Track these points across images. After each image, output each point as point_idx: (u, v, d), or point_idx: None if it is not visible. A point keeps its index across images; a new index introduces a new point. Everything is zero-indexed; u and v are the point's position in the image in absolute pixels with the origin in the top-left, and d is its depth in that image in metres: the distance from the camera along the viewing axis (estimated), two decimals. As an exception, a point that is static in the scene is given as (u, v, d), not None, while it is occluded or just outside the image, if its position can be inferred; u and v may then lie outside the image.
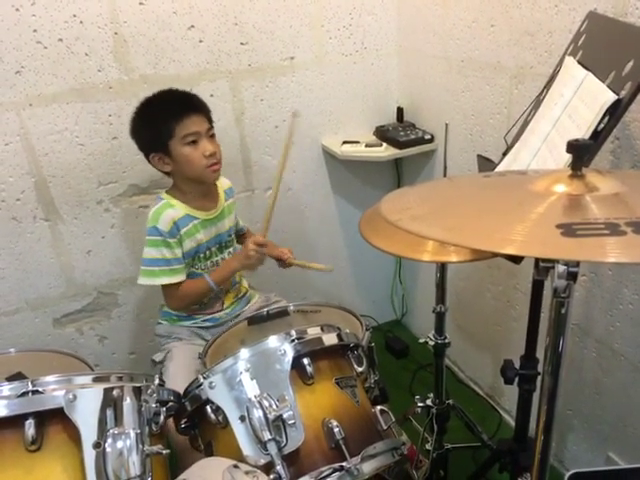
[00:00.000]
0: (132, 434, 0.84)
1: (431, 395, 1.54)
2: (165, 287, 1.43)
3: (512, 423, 1.76)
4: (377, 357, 1.32)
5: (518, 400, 1.27)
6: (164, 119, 1.33)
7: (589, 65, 1.02)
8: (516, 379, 1.21)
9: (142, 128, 1.39)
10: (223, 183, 1.56)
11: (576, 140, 0.73)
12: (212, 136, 1.40)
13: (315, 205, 2.06)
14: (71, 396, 0.83)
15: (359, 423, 0.98)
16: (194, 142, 1.35)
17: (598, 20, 1.12)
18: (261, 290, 1.69)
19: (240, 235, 1.69)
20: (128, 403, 0.87)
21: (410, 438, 1.53)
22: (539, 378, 1.10)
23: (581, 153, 0.72)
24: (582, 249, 0.55)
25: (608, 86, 0.91)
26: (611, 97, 0.88)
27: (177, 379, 1.31)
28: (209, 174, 1.39)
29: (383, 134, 1.92)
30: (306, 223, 2.07)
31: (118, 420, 0.86)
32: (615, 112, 0.88)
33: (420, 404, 1.53)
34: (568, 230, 0.59)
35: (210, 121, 1.41)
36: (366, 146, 1.88)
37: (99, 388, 0.88)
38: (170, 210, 1.40)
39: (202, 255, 1.47)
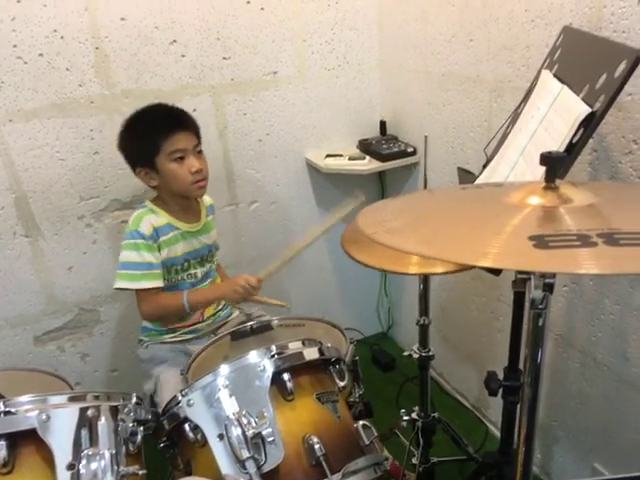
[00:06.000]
0: (107, 455, 0.82)
1: (416, 408, 1.53)
2: (142, 292, 1.40)
3: (498, 435, 1.76)
4: (362, 371, 1.31)
5: (502, 412, 1.27)
6: (151, 135, 1.34)
7: (565, 78, 1.03)
8: (500, 391, 1.20)
9: (129, 142, 1.40)
10: (206, 200, 1.57)
11: (549, 152, 0.73)
12: (200, 152, 1.41)
13: (299, 218, 2.06)
14: (44, 417, 0.82)
15: (340, 439, 0.97)
16: (181, 158, 1.36)
17: (573, 34, 1.14)
18: (244, 305, 1.67)
19: None
20: (103, 423, 0.85)
21: (396, 452, 1.52)
22: (522, 390, 1.10)
23: (554, 165, 0.73)
24: (553, 261, 0.56)
25: (582, 99, 0.93)
26: (585, 110, 0.89)
27: None
28: (195, 190, 1.40)
29: (366, 147, 1.93)
30: (290, 236, 2.06)
31: (93, 440, 0.84)
32: (589, 125, 0.89)
33: (405, 418, 1.52)
34: (540, 242, 0.59)
35: (198, 137, 1.42)
36: (349, 159, 1.89)
37: (74, 408, 0.86)
38: (151, 216, 1.41)
39: (179, 267, 1.47)
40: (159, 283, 1.41)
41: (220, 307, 1.59)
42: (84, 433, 0.84)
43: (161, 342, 1.50)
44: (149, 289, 1.40)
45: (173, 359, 1.47)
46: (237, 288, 1.37)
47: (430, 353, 1.47)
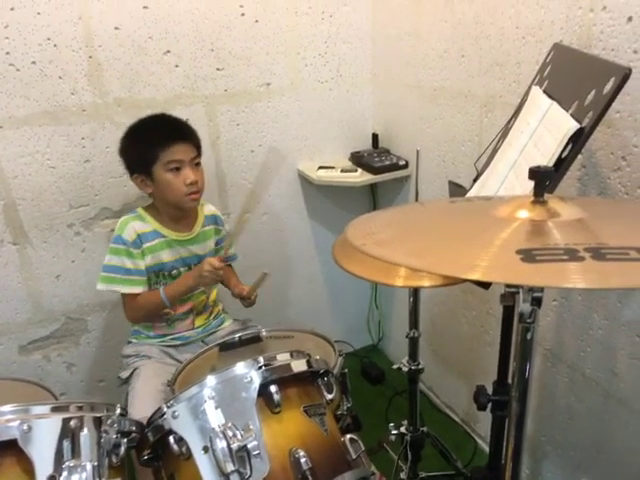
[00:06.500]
0: (89, 467, 0.80)
1: (405, 422, 1.52)
2: (124, 296, 1.45)
3: (488, 450, 1.75)
4: (352, 383, 1.30)
5: (491, 426, 1.26)
6: (150, 143, 1.37)
7: (554, 95, 1.04)
8: (489, 405, 1.20)
9: (129, 149, 1.43)
10: (206, 209, 1.57)
11: (538, 167, 0.74)
12: (197, 164, 1.43)
13: (291, 230, 2.06)
14: (26, 427, 0.80)
15: (327, 453, 0.96)
16: (177, 169, 1.37)
17: (563, 51, 1.16)
18: (235, 315, 1.67)
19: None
20: (85, 434, 0.83)
21: (384, 466, 1.51)
22: (510, 404, 1.10)
23: (542, 180, 0.73)
24: (540, 274, 0.56)
25: (571, 115, 0.93)
26: (574, 126, 0.90)
27: (144, 398, 1.29)
28: (188, 202, 1.41)
29: (358, 160, 1.94)
30: (282, 248, 2.06)
31: (75, 452, 0.83)
32: (578, 140, 0.90)
33: (394, 432, 1.51)
34: (528, 256, 0.59)
35: (198, 150, 1.44)
36: (341, 171, 1.90)
37: (57, 418, 0.85)
38: (136, 222, 1.43)
39: (167, 273, 1.47)
40: (137, 289, 1.42)
41: (212, 316, 1.59)
42: (66, 444, 0.83)
43: (149, 344, 1.50)
44: (129, 294, 1.43)
45: (158, 357, 1.47)
46: (203, 272, 1.39)
47: (420, 366, 1.46)
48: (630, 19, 1.07)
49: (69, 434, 0.84)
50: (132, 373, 1.42)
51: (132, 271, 1.41)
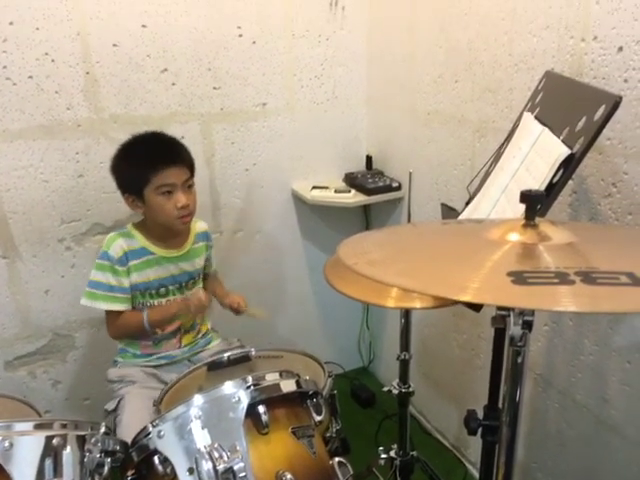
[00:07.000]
0: (70, 486, 0.79)
1: (395, 446, 1.50)
2: (106, 313, 1.44)
3: (478, 476, 1.72)
4: (341, 406, 1.28)
5: (482, 452, 1.24)
6: (142, 166, 1.34)
7: (546, 121, 1.06)
8: (479, 430, 1.18)
9: (121, 168, 1.40)
10: (197, 226, 1.56)
11: (529, 191, 0.74)
12: (190, 187, 1.41)
13: (283, 249, 2.06)
14: (7, 444, 0.78)
15: (315, 476, 0.94)
16: (169, 192, 1.35)
17: (555, 79, 1.18)
18: (223, 334, 1.65)
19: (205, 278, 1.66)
20: (68, 453, 0.82)
21: (373, 492, 1.48)
22: (501, 429, 1.09)
23: (533, 203, 0.74)
24: (531, 297, 0.56)
25: (562, 141, 0.95)
26: (565, 151, 0.91)
27: (132, 428, 1.25)
28: (178, 224, 1.40)
29: (352, 181, 1.95)
30: (274, 267, 2.06)
31: (57, 471, 0.81)
32: (569, 166, 0.91)
33: (383, 455, 1.48)
34: (519, 278, 0.59)
35: (192, 171, 1.41)
36: (335, 192, 1.90)
37: (40, 436, 0.83)
38: (125, 239, 1.42)
39: (154, 292, 1.46)
40: (119, 307, 1.41)
41: (200, 335, 1.57)
42: (48, 463, 0.81)
43: (134, 365, 1.47)
44: (111, 312, 1.42)
45: (143, 381, 1.44)
46: (190, 306, 1.41)
47: (410, 389, 1.45)
48: (621, 49, 1.09)
49: (51, 452, 0.82)
50: (118, 404, 1.38)
51: (115, 288, 1.40)
